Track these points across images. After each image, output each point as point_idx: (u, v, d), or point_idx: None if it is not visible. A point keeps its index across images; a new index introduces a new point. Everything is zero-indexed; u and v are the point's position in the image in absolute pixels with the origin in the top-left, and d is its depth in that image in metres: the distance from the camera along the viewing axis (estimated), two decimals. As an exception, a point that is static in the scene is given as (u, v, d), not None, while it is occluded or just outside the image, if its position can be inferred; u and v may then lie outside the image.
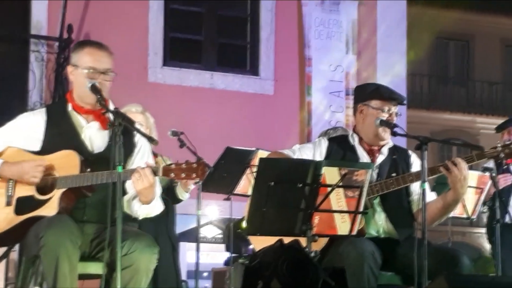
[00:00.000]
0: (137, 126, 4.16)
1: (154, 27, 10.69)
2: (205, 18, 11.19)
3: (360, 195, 4.20)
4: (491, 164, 6.70)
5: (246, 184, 6.33)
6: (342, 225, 4.23)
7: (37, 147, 4.20)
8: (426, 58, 23.31)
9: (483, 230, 8.09)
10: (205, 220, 15.89)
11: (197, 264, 6.29)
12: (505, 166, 7.13)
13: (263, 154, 5.92)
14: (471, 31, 24.43)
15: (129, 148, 4.19)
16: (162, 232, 5.91)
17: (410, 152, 4.83)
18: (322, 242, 4.40)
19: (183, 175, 4.00)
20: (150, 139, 4.10)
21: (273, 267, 3.87)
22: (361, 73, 11.35)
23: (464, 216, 6.76)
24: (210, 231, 17.73)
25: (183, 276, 8.18)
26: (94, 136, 4.23)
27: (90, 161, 4.11)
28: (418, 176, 4.47)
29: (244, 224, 4.41)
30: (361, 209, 4.23)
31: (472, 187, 6.57)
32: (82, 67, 4.18)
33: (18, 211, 4.11)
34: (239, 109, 10.88)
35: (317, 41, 11.15)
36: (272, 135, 10.57)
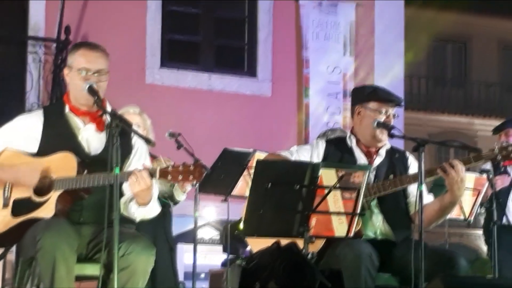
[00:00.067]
0: (135, 127, 4.16)
1: (151, 29, 10.69)
2: (203, 19, 11.19)
3: (357, 197, 4.20)
4: (488, 166, 6.70)
5: (243, 185, 6.32)
6: (339, 227, 4.23)
7: (34, 148, 4.19)
8: (423, 60, 23.33)
9: (480, 232, 8.08)
10: (203, 222, 15.88)
11: (194, 265, 6.28)
12: (503, 169, 7.14)
13: (260, 155, 5.91)
14: (469, 33, 24.46)
15: (126, 150, 4.19)
16: (160, 234, 5.91)
17: (407, 153, 4.84)
18: (319, 243, 4.40)
19: (180, 177, 3.99)
20: (147, 141, 4.10)
21: (270, 269, 3.87)
22: (358, 75, 11.36)
23: (461, 217, 6.75)
24: (208, 233, 17.71)
25: (180, 278, 8.18)
26: (91, 138, 4.23)
27: (87, 163, 4.11)
28: (415, 178, 4.47)
29: (241, 226, 4.40)
30: (358, 210, 4.23)
31: (469, 188, 6.57)
32: (76, 68, 4.19)
33: (15, 213, 4.11)
34: (237, 110, 10.88)
35: (315, 42, 11.16)
36: (269, 137, 10.57)
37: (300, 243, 4.11)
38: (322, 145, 4.77)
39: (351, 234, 4.26)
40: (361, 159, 4.70)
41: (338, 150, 4.73)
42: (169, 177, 4.00)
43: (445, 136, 22.81)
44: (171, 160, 5.42)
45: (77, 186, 4.05)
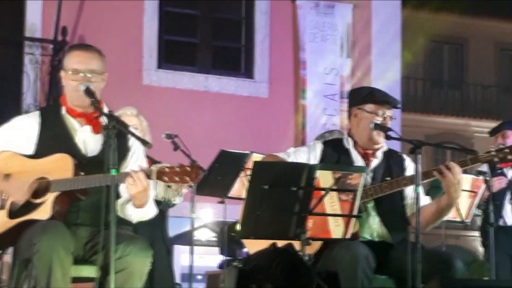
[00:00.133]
0: (132, 129, 4.16)
1: (148, 30, 10.69)
2: (200, 20, 11.20)
3: (354, 199, 4.20)
4: (485, 167, 6.70)
5: (240, 187, 6.33)
6: (336, 229, 4.23)
7: (31, 150, 4.19)
8: (420, 62, 23.33)
9: (477, 234, 8.10)
10: (199, 223, 15.86)
11: (191, 267, 6.29)
12: (499, 170, 7.14)
13: (257, 157, 5.92)
14: (466, 35, 24.47)
15: (123, 151, 4.18)
16: (157, 235, 5.92)
17: (404, 156, 4.84)
18: (316, 245, 4.40)
19: (176, 178, 3.99)
20: (144, 142, 4.09)
21: (266, 271, 3.87)
22: (355, 76, 11.37)
23: (458, 219, 6.76)
24: (204, 234, 17.70)
25: (177, 279, 8.19)
26: (88, 140, 4.22)
27: (84, 164, 4.10)
28: (412, 180, 4.47)
29: (238, 227, 4.40)
30: (355, 212, 4.23)
31: (466, 190, 6.57)
32: (68, 70, 4.19)
33: (12, 214, 4.10)
34: (234, 112, 10.89)
35: (312, 44, 11.17)
36: (266, 138, 10.58)
37: (297, 245, 4.10)
38: (319, 147, 4.76)
39: (348, 236, 4.25)
40: (358, 161, 4.70)
41: (335, 152, 4.73)
42: (166, 178, 4.00)
43: (442, 137, 22.82)
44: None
45: (74, 188, 4.04)
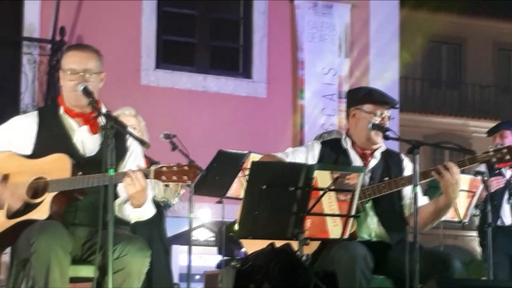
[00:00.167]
0: (130, 129, 4.16)
1: (147, 30, 10.68)
2: (198, 20, 11.19)
3: (352, 199, 4.20)
4: (483, 167, 6.71)
5: (238, 187, 6.33)
6: (334, 229, 4.23)
7: (29, 150, 4.19)
8: (418, 62, 23.35)
9: (475, 234, 8.09)
10: (198, 223, 15.85)
11: (189, 267, 6.28)
12: (498, 171, 7.15)
13: (255, 157, 5.91)
14: (464, 35, 24.49)
15: (121, 151, 4.18)
16: (156, 235, 5.92)
17: (402, 156, 4.84)
18: (313, 245, 4.40)
19: (174, 177, 3.99)
20: (142, 143, 4.09)
21: (264, 271, 3.87)
22: (353, 76, 11.37)
23: (456, 219, 6.77)
24: (203, 234, 17.69)
25: (175, 279, 8.18)
26: (86, 140, 4.22)
27: (82, 164, 4.10)
28: (410, 180, 4.47)
29: (236, 227, 4.40)
30: (353, 212, 4.23)
31: (464, 190, 6.58)
32: (64, 70, 4.20)
33: (10, 214, 4.10)
34: (232, 111, 10.88)
35: (310, 44, 11.16)
36: (265, 138, 10.58)
37: (295, 245, 4.11)
38: (317, 147, 4.77)
39: (346, 236, 4.26)
40: (356, 161, 4.70)
41: (333, 152, 4.73)
42: (164, 177, 4.00)
43: (440, 137, 22.83)
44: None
45: (72, 188, 4.04)
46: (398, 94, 11.38)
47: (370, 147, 4.72)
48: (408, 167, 4.75)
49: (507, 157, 4.49)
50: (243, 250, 7.03)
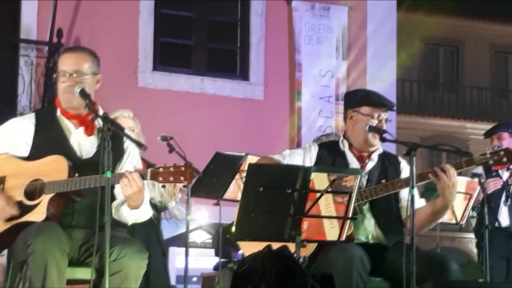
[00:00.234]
0: (128, 132, 4.16)
1: (144, 32, 10.68)
2: (195, 23, 11.19)
3: (349, 201, 4.20)
4: (479, 169, 6.71)
5: (235, 189, 6.33)
6: (331, 231, 4.23)
7: (26, 152, 4.19)
8: (416, 64, 23.36)
9: (472, 236, 8.09)
10: (195, 225, 15.87)
11: (186, 269, 6.28)
12: (495, 172, 7.15)
13: (252, 159, 5.92)
14: (461, 37, 24.51)
15: (118, 153, 4.18)
16: (153, 237, 5.92)
17: (400, 158, 4.84)
18: (310, 247, 4.40)
19: (171, 178, 3.99)
20: (139, 145, 4.09)
21: (261, 273, 3.87)
22: (351, 78, 11.37)
23: (453, 221, 6.77)
24: (200, 236, 17.72)
25: (172, 281, 8.18)
26: (83, 142, 4.22)
27: (79, 166, 4.10)
28: (407, 182, 4.47)
29: (233, 229, 4.40)
30: (350, 214, 4.23)
31: (461, 192, 6.58)
32: (59, 72, 4.22)
33: (6, 218, 4.09)
34: (229, 114, 10.88)
35: (307, 46, 11.17)
36: (262, 140, 10.57)
37: (292, 247, 4.11)
38: (314, 149, 4.77)
39: (343, 238, 4.26)
40: (354, 163, 4.70)
41: (330, 154, 4.73)
42: (160, 178, 4.00)
43: (437, 139, 22.85)
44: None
45: (69, 189, 4.04)
46: (395, 96, 11.38)
47: (367, 149, 4.72)
48: (405, 169, 4.75)
49: (504, 159, 4.50)
50: (240, 252, 7.03)
